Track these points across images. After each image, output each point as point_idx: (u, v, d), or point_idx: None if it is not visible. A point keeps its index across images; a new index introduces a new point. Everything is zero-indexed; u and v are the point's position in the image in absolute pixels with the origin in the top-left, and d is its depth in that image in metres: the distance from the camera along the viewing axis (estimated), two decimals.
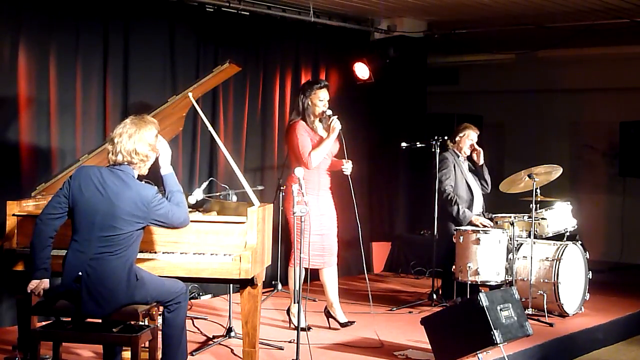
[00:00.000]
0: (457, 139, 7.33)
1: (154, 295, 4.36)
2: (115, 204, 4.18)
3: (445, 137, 7.27)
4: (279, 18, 8.04)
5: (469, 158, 7.43)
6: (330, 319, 6.33)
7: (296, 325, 6.06)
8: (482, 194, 7.42)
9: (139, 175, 4.36)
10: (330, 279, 6.26)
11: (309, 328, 6.14)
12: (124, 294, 4.23)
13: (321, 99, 6.12)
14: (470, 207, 7.20)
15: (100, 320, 4.32)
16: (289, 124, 6.24)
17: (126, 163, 4.27)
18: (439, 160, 7.23)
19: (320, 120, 6.22)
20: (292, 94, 8.30)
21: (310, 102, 6.12)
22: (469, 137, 7.28)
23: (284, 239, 7.51)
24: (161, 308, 4.48)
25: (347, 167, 6.16)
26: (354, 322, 6.33)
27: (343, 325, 6.27)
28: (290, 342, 5.64)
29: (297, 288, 5.58)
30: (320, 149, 6.04)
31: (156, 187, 4.34)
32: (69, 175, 5.02)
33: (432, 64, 10.00)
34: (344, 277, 8.60)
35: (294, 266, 6.02)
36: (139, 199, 4.21)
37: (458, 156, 7.31)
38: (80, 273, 4.17)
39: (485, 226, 6.96)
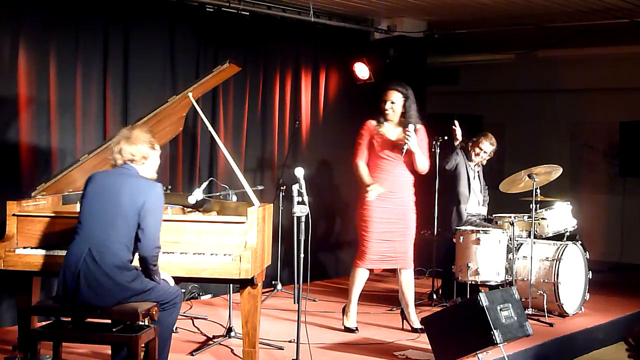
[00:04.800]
0: (471, 143, 7.31)
1: (152, 292, 4.38)
2: (118, 197, 4.34)
3: (445, 137, 7.27)
4: (279, 18, 8.04)
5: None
6: (404, 320, 6.35)
7: (347, 325, 6.24)
8: (485, 199, 7.46)
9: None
10: (406, 281, 6.26)
11: (356, 329, 6.24)
12: (123, 284, 4.26)
13: (385, 99, 6.14)
14: (464, 204, 7.22)
15: (98, 314, 4.31)
16: None
17: (128, 162, 4.46)
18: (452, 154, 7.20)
19: (403, 126, 6.13)
20: (292, 94, 8.31)
21: (379, 100, 6.21)
22: (480, 144, 7.25)
23: (284, 239, 7.52)
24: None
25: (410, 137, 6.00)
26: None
27: (414, 330, 6.23)
28: (290, 342, 5.64)
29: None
30: (361, 173, 6.12)
31: (161, 184, 4.49)
32: (69, 175, 5.06)
33: (432, 64, 9.99)
34: (345, 277, 8.62)
35: (356, 267, 6.21)
36: (138, 189, 4.36)
37: (469, 160, 7.29)
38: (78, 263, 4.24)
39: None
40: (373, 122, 6.19)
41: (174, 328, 5.86)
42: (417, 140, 6.05)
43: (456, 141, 6.92)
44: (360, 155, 6.19)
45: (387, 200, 6.13)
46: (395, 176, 6.13)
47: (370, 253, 6.15)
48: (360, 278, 6.24)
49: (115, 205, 4.33)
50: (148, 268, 4.38)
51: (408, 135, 5.97)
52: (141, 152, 4.49)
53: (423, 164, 6.15)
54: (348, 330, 6.22)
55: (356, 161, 6.19)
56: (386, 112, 6.13)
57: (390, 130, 6.16)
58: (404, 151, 6.00)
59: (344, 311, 6.33)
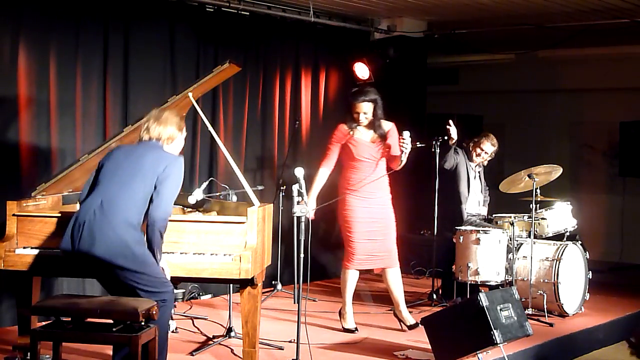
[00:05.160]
0: (472, 143, 7.32)
1: (147, 269, 4.37)
2: (140, 161, 4.47)
3: (445, 137, 7.26)
4: (279, 18, 8.04)
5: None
6: (399, 321, 6.37)
7: (345, 327, 6.26)
8: (486, 199, 7.47)
9: None
10: (392, 280, 6.29)
11: (356, 329, 6.26)
12: (125, 241, 4.28)
13: (357, 111, 6.15)
14: (464, 204, 7.22)
15: (98, 314, 4.31)
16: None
17: (155, 140, 4.59)
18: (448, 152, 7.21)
19: (374, 129, 6.18)
20: (292, 94, 8.31)
21: (351, 110, 6.21)
22: (481, 145, 7.26)
23: (284, 239, 7.51)
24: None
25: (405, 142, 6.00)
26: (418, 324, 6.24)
27: (410, 327, 6.27)
28: (290, 342, 5.64)
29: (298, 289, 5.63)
30: (316, 181, 6.21)
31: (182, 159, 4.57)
32: (69, 175, 5.06)
33: (432, 64, 9.99)
34: None
35: (346, 269, 6.23)
36: (161, 157, 4.49)
37: (470, 159, 7.29)
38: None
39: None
40: (345, 127, 6.22)
41: (174, 328, 5.87)
42: (393, 140, 6.12)
43: (451, 141, 6.90)
44: (326, 162, 6.27)
45: (367, 200, 6.19)
46: (374, 177, 6.18)
47: (358, 254, 6.18)
48: (351, 279, 6.26)
49: (136, 168, 4.43)
50: (153, 234, 4.37)
51: (405, 146, 5.98)
52: (168, 132, 4.61)
53: (402, 164, 6.20)
54: (347, 331, 6.23)
55: (320, 167, 6.26)
56: (360, 122, 6.17)
57: (364, 132, 6.21)
58: (404, 159, 6.04)
59: (341, 314, 6.35)
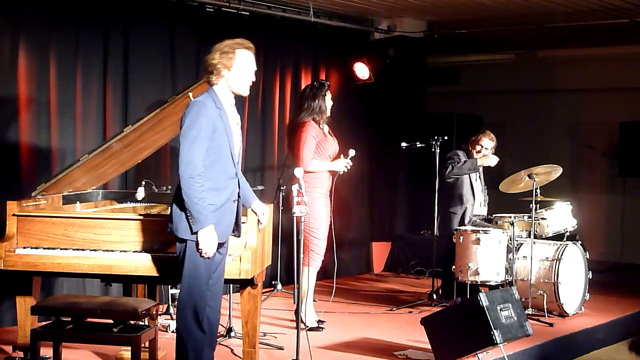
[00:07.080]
0: (470, 141, 7.31)
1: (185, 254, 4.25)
2: None
3: (445, 137, 7.26)
4: (279, 18, 8.04)
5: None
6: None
7: (306, 324, 6.15)
8: (485, 199, 7.47)
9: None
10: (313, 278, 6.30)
11: (321, 321, 6.23)
12: (172, 216, 4.23)
13: (332, 98, 6.28)
14: (467, 205, 7.22)
15: (98, 314, 4.30)
16: (297, 122, 6.21)
17: (207, 82, 4.33)
18: (450, 154, 7.21)
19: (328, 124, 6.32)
20: (292, 94, 8.30)
21: (324, 103, 6.20)
22: (480, 142, 7.26)
23: (285, 239, 7.51)
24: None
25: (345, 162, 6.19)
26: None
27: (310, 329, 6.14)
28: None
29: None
30: (323, 165, 6.14)
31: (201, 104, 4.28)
32: (69, 175, 5.05)
33: (432, 64, 10.00)
34: (345, 277, 8.62)
35: (309, 267, 6.18)
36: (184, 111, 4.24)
37: (470, 157, 7.29)
38: None
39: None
40: (314, 123, 6.18)
41: (174, 329, 5.80)
42: None
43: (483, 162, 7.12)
44: (311, 157, 6.10)
45: (328, 199, 6.24)
46: (329, 177, 6.24)
47: (321, 254, 6.18)
48: (313, 278, 6.22)
49: None
50: (184, 197, 4.15)
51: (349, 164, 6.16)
52: (212, 63, 4.24)
53: None
54: (313, 329, 6.08)
55: (312, 161, 6.09)
56: (328, 112, 6.25)
57: (326, 128, 6.29)
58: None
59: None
